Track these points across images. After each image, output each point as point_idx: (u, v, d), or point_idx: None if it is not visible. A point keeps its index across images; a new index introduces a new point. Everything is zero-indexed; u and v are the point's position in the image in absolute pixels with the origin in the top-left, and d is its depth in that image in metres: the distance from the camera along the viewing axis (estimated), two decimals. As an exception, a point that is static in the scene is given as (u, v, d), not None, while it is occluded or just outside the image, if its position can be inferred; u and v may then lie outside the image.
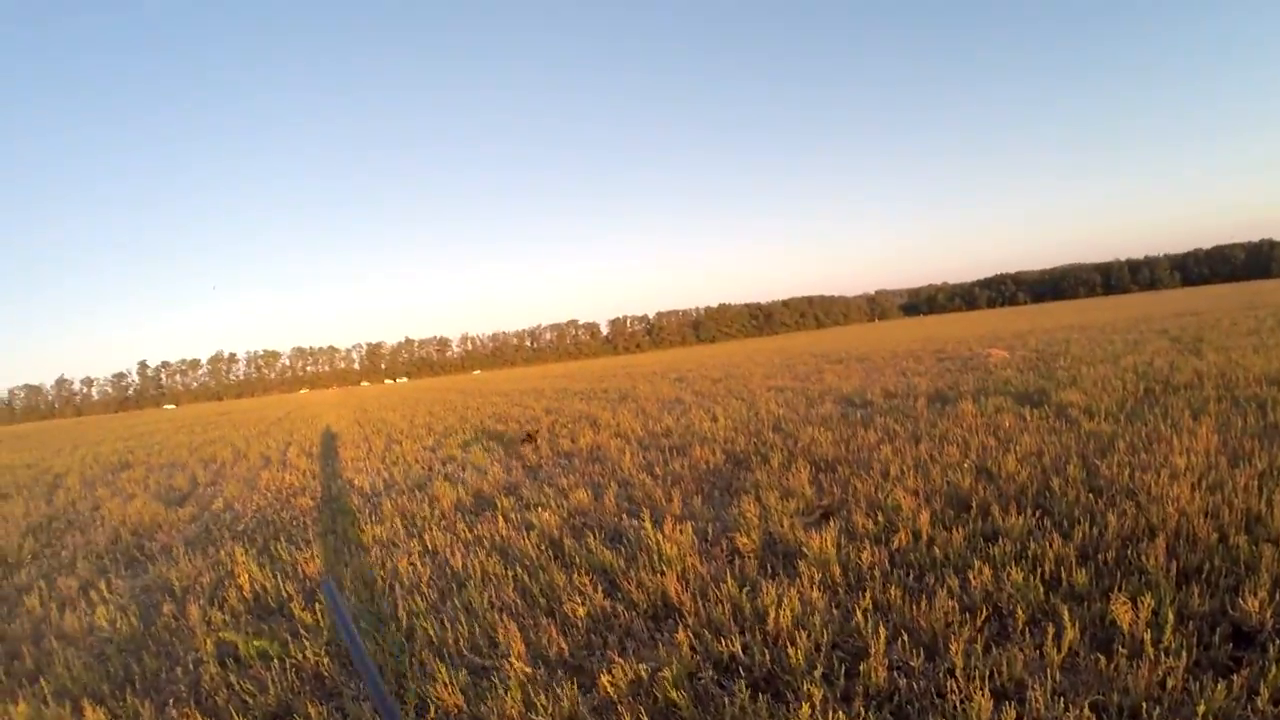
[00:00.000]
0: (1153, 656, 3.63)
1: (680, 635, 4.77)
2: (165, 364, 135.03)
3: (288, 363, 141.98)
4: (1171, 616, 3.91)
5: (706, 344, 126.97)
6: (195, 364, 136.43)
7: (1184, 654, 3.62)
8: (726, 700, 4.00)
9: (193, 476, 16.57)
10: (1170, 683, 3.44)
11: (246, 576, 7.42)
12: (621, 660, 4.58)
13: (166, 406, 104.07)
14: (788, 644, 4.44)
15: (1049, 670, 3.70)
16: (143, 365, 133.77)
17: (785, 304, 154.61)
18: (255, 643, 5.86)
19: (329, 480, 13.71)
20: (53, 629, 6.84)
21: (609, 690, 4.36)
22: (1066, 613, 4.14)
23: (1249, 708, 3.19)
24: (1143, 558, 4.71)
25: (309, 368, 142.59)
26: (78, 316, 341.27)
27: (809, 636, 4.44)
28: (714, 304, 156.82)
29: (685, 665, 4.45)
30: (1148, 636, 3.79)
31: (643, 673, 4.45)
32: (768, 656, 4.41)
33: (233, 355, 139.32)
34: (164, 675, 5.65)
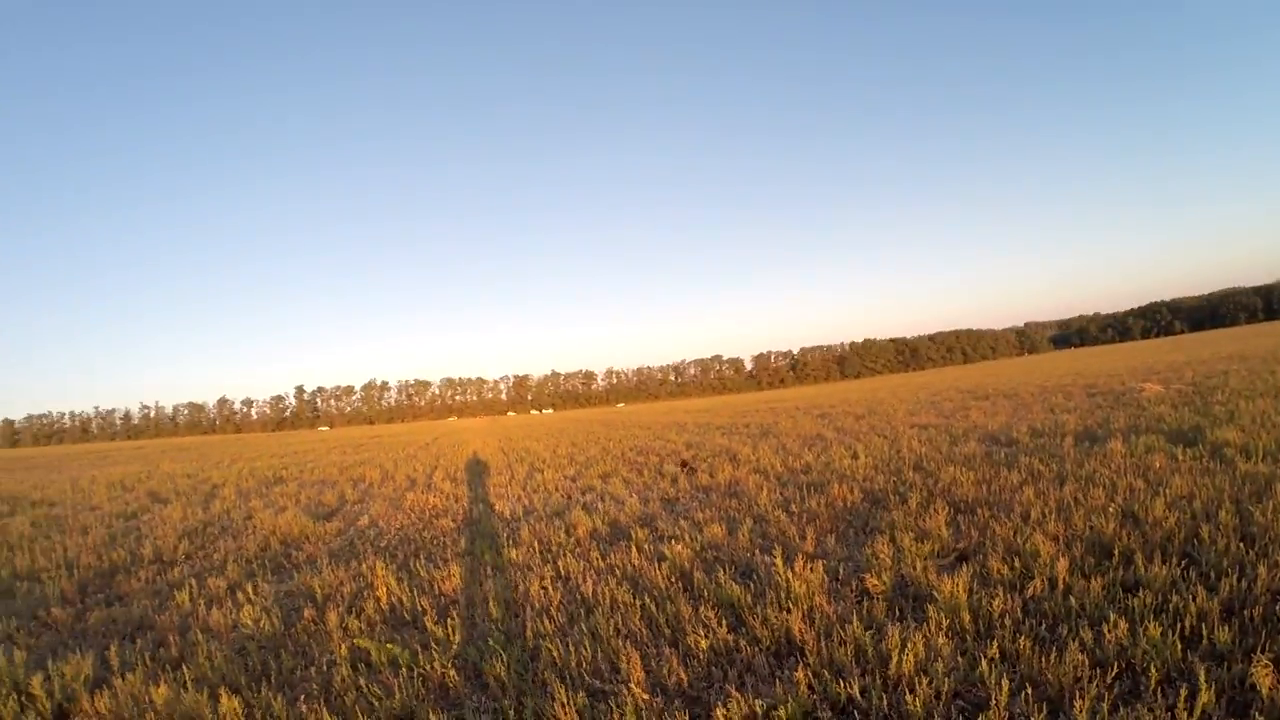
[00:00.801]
0: None
1: (800, 674, 4.78)
2: (321, 389, 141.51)
3: (437, 392, 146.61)
4: None
5: (851, 379, 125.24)
6: (349, 390, 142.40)
7: None
8: (840, 743, 4.00)
9: (341, 494, 17.30)
10: None
11: (384, 589, 7.77)
12: (739, 695, 4.62)
13: (320, 428, 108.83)
14: (907, 690, 4.40)
15: None
16: (299, 390, 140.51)
17: (931, 339, 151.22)
18: (388, 649, 6.14)
19: (471, 504, 14.12)
20: (199, 623, 7.30)
21: (724, 724, 4.42)
22: (1203, 673, 3.94)
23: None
24: None
25: (457, 397, 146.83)
26: (240, 340, 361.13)
27: (930, 683, 4.39)
28: (859, 339, 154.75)
29: (802, 704, 4.46)
30: None
31: (758, 708, 4.48)
32: (885, 701, 4.39)
33: (385, 383, 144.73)
34: (298, 673, 5.99)
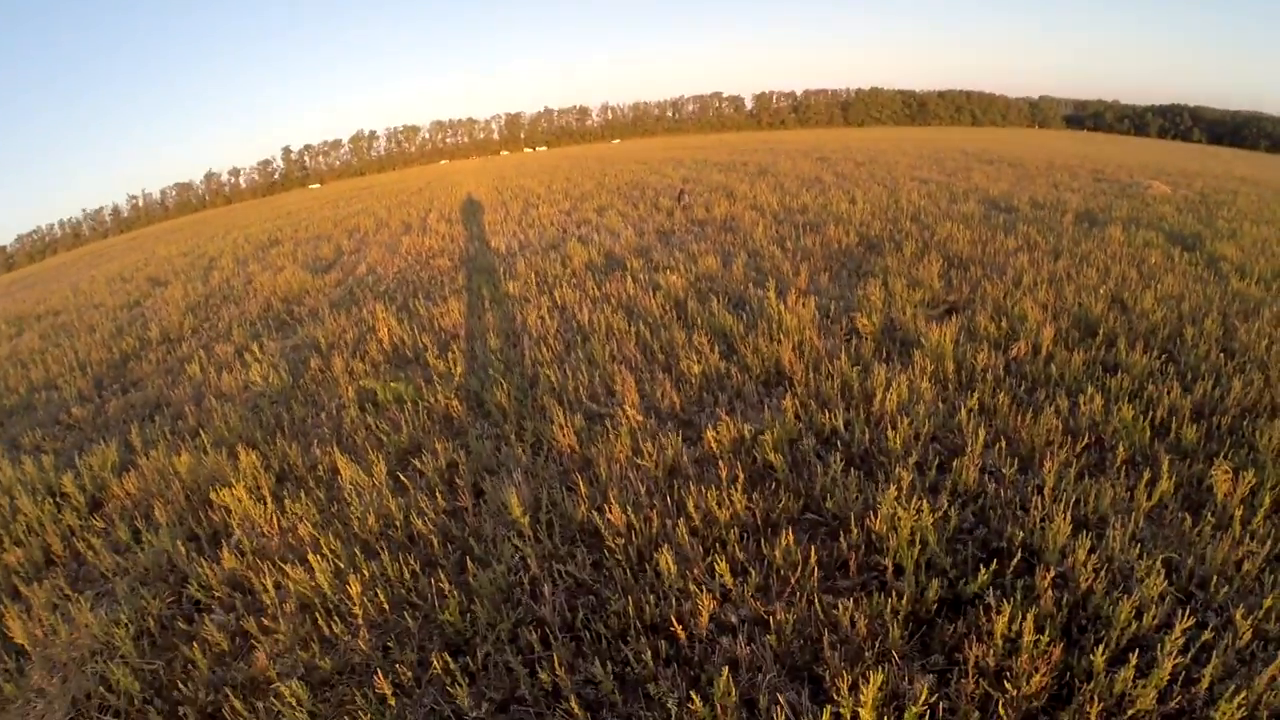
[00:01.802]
0: (1238, 535, 3.60)
1: (787, 402, 5.02)
2: (308, 147, 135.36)
3: (427, 136, 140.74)
4: (1268, 501, 3.86)
5: (854, 127, 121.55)
6: (337, 144, 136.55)
7: (1269, 543, 3.57)
8: (820, 469, 4.25)
9: (338, 246, 17.14)
10: (1246, 566, 3.42)
11: (386, 331, 7.95)
12: (728, 419, 4.84)
13: (311, 186, 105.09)
14: (889, 427, 4.63)
15: (1134, 514, 3.74)
16: (286, 150, 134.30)
17: (940, 95, 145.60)
18: (393, 387, 6.36)
19: (467, 243, 14.12)
20: (211, 389, 7.49)
21: (712, 445, 4.67)
22: (1166, 463, 4.12)
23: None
24: (1257, 434, 4.55)
25: (448, 140, 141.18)
26: (222, 110, 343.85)
27: (910, 424, 4.62)
28: (865, 87, 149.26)
29: (788, 431, 4.70)
30: (1239, 513, 3.73)
31: (746, 433, 4.72)
32: (867, 436, 4.62)
33: (373, 133, 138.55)
34: (310, 421, 6.23)
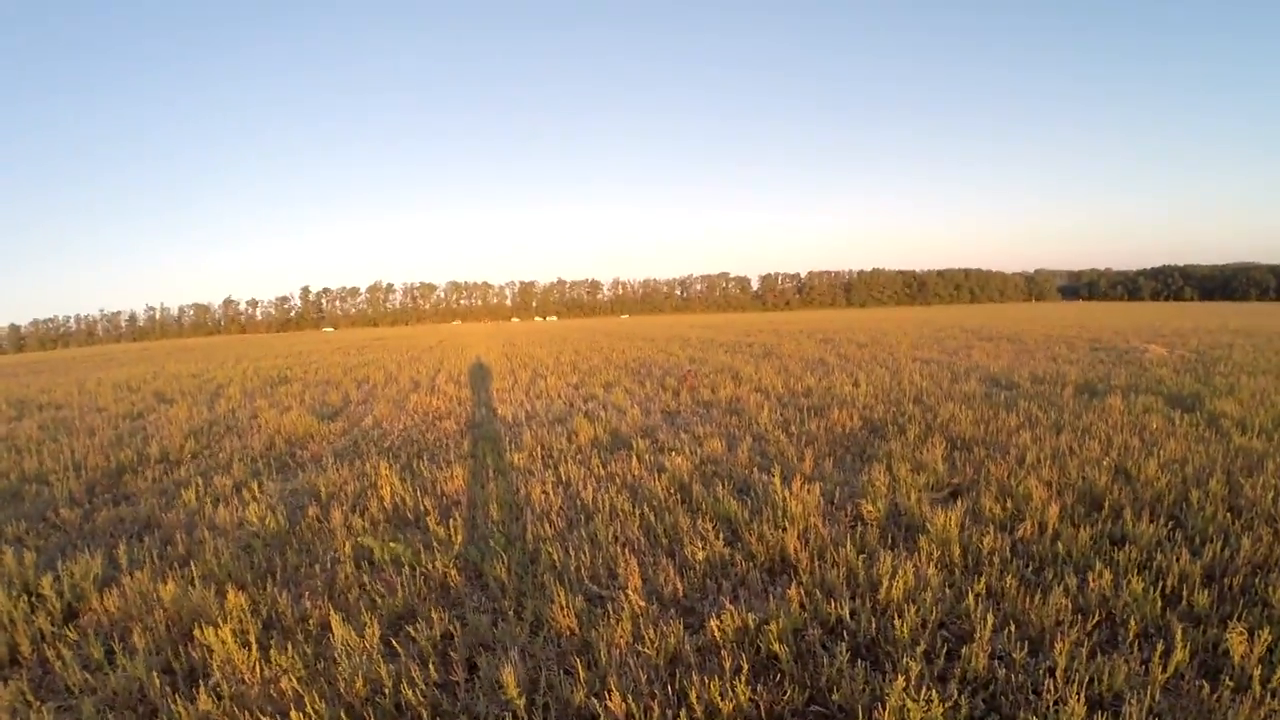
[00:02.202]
0: (1258, 695, 3.56)
1: (792, 592, 4.95)
2: (326, 290, 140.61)
3: (442, 295, 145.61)
4: None
5: (856, 308, 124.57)
6: (354, 291, 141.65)
7: None
8: (826, 660, 4.16)
9: (346, 395, 17.44)
10: None
11: (388, 489, 7.92)
12: (732, 607, 4.77)
13: (325, 329, 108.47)
14: (895, 616, 4.56)
15: (1150, 688, 3.67)
16: (305, 290, 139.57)
17: (940, 274, 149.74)
18: (391, 547, 6.31)
19: (475, 408, 14.28)
20: (205, 521, 7.42)
21: (715, 634, 4.58)
22: (1180, 633, 4.09)
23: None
24: (1270, 590, 4.55)
25: (462, 301, 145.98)
26: (247, 240, 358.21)
27: (917, 612, 4.53)
28: (867, 269, 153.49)
29: (793, 620, 4.61)
30: (1257, 673, 3.70)
31: (750, 622, 4.63)
32: (873, 625, 4.54)
33: (390, 285, 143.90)
34: (303, 570, 6.13)
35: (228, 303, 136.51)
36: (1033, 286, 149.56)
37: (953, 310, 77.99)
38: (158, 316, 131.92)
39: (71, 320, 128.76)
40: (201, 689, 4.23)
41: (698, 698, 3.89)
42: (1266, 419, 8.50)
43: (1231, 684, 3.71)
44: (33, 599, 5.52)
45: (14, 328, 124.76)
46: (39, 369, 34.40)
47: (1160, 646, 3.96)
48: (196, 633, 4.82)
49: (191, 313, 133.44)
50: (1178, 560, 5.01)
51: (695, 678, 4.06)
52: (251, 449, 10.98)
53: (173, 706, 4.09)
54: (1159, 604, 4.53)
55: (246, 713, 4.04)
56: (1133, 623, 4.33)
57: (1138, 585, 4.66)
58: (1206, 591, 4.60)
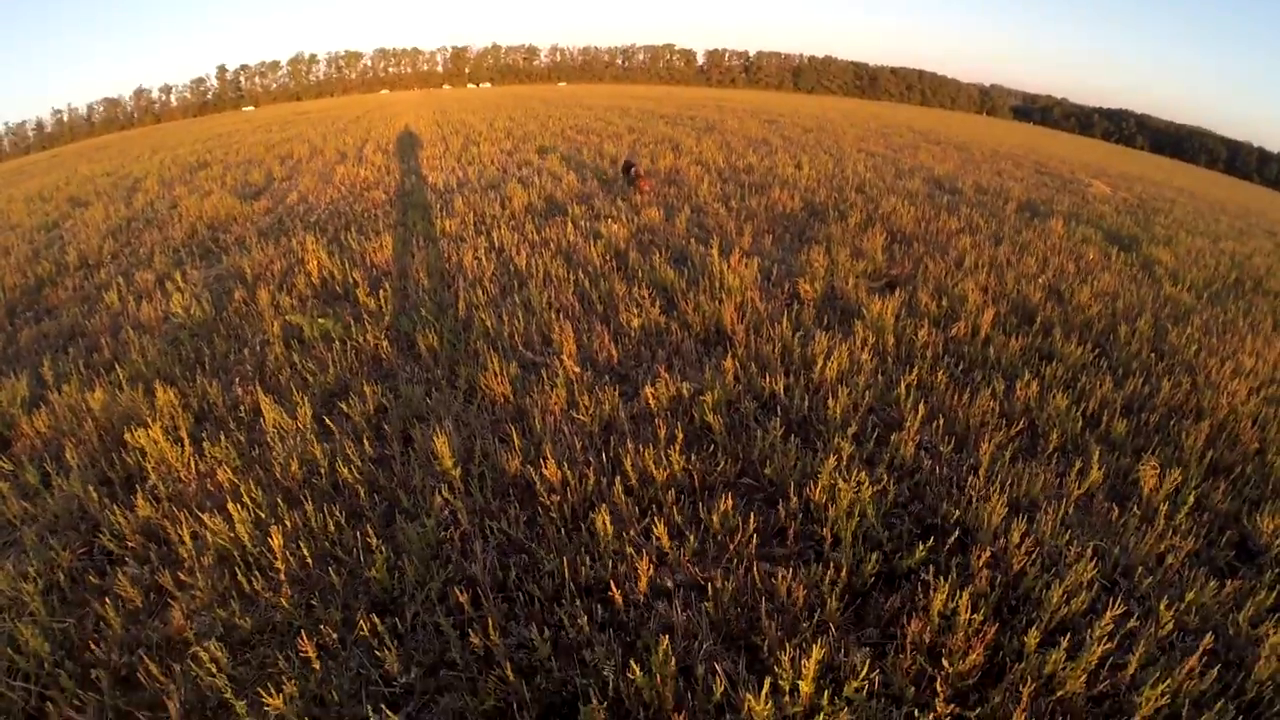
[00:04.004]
0: (1161, 529, 3.70)
1: (728, 363, 4.96)
2: (244, 67, 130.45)
3: (369, 64, 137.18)
4: (1191, 500, 3.94)
5: (804, 94, 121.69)
6: (275, 66, 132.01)
7: (1190, 540, 3.68)
8: (760, 434, 4.21)
9: (269, 173, 16.46)
10: (1169, 560, 3.53)
11: (315, 264, 7.62)
12: (667, 376, 4.78)
13: (245, 109, 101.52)
14: (828, 396, 4.62)
15: (1065, 501, 3.80)
16: (221, 69, 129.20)
17: (893, 71, 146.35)
18: (320, 323, 6.12)
19: (404, 176, 13.71)
20: (130, 320, 7.05)
21: (650, 402, 4.59)
22: (1096, 454, 4.20)
23: (1228, 616, 3.26)
24: (1183, 434, 4.69)
25: (390, 69, 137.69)
26: (156, 23, 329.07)
27: (850, 395, 4.60)
28: (819, 54, 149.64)
29: (727, 392, 4.65)
30: (1163, 509, 3.85)
31: (685, 391, 4.66)
32: (806, 403, 4.60)
33: (313, 56, 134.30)
34: (232, 357, 5.92)
35: (139, 93, 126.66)
36: (986, 100, 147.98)
37: (903, 110, 76.83)
38: (66, 119, 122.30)
39: None
40: (139, 494, 4.11)
41: (632, 465, 3.91)
42: (1198, 277, 8.63)
43: (1139, 513, 3.86)
44: None
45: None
46: None
47: (1078, 464, 4.10)
48: (128, 437, 4.62)
49: (101, 109, 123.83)
50: (1101, 386, 5.14)
51: (630, 446, 4.07)
52: (173, 239, 10.40)
53: (112, 518, 3.96)
54: (1079, 423, 4.68)
55: (185, 511, 3.94)
56: (1054, 436, 4.46)
57: (1061, 401, 4.79)
58: (1125, 422, 4.73)
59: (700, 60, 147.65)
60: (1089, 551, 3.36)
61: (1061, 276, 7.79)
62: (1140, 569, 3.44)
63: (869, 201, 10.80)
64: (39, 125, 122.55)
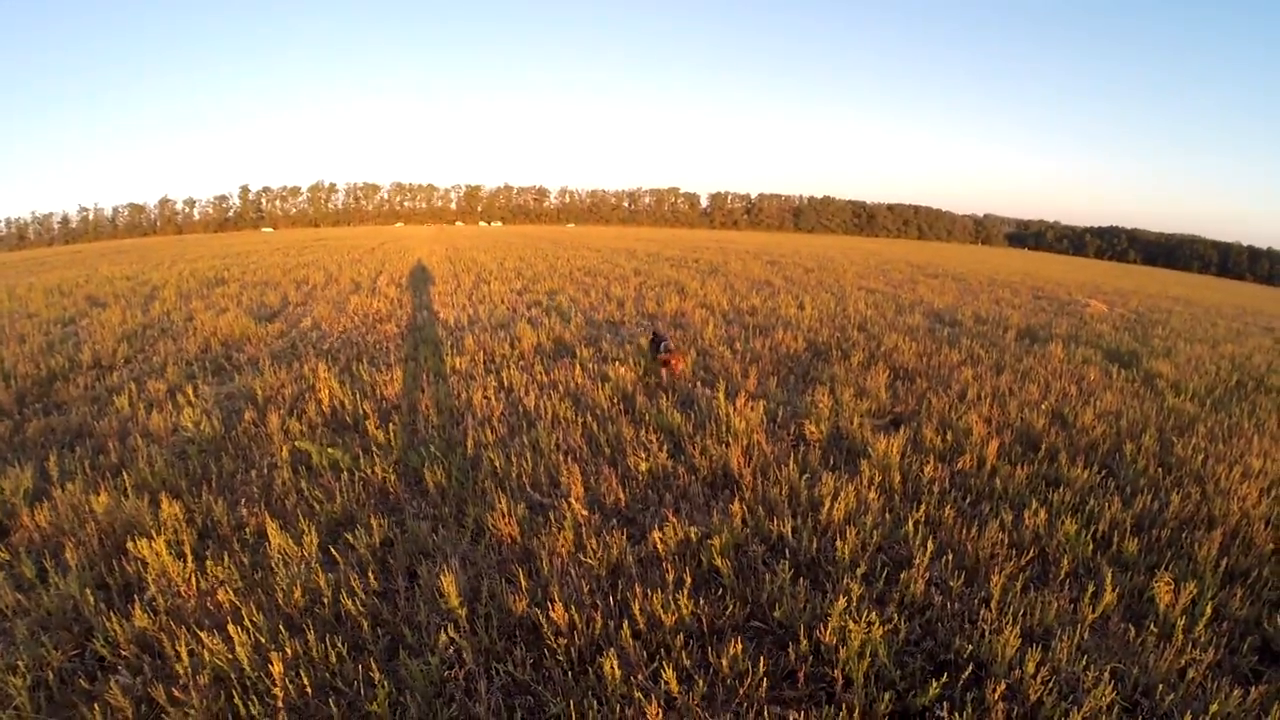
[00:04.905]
0: (1180, 644, 3.66)
1: (735, 507, 4.97)
2: (266, 189, 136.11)
3: (385, 197, 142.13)
4: (1209, 611, 3.90)
5: (804, 233, 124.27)
6: (295, 191, 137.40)
7: (1211, 651, 3.64)
8: (768, 578, 4.19)
9: (284, 296, 16.91)
10: (1191, 674, 3.48)
11: (327, 392, 7.75)
12: (675, 520, 4.78)
13: (264, 230, 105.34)
14: (836, 537, 4.61)
15: (1079, 626, 3.76)
16: (244, 189, 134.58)
17: (890, 208, 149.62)
18: (329, 452, 6.17)
19: (416, 311, 14.00)
20: (139, 428, 7.15)
21: (658, 546, 4.58)
22: (1109, 576, 4.16)
23: (1257, 722, 3.18)
24: (1195, 546, 4.68)
25: (406, 203, 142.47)
26: (184, 137, 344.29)
27: (857, 535, 4.60)
28: (818, 195, 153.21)
29: (735, 536, 4.65)
30: (1181, 623, 3.81)
31: (693, 535, 4.65)
32: (815, 545, 4.58)
33: (332, 185, 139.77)
34: (239, 476, 5.96)
35: (163, 202, 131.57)
36: (980, 230, 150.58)
37: (899, 245, 78.30)
38: (91, 217, 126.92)
39: (1, 224, 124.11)
40: (137, 604, 4.12)
41: (640, 610, 3.89)
42: (1200, 384, 8.69)
43: (1156, 630, 3.80)
44: None
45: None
46: None
47: (1090, 588, 4.07)
48: (130, 545, 4.65)
49: (126, 213, 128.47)
50: (1109, 507, 5.12)
51: (638, 589, 4.06)
52: (186, 352, 10.62)
53: (107, 624, 3.98)
54: (1090, 546, 4.64)
55: (183, 627, 3.94)
56: (1065, 562, 4.43)
57: (1071, 526, 4.77)
58: (1136, 540, 4.72)
59: (704, 203, 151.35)
60: (1107, 674, 3.33)
61: (1064, 400, 7.84)
62: (1161, 686, 3.39)
63: (871, 339, 10.96)
64: (64, 220, 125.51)
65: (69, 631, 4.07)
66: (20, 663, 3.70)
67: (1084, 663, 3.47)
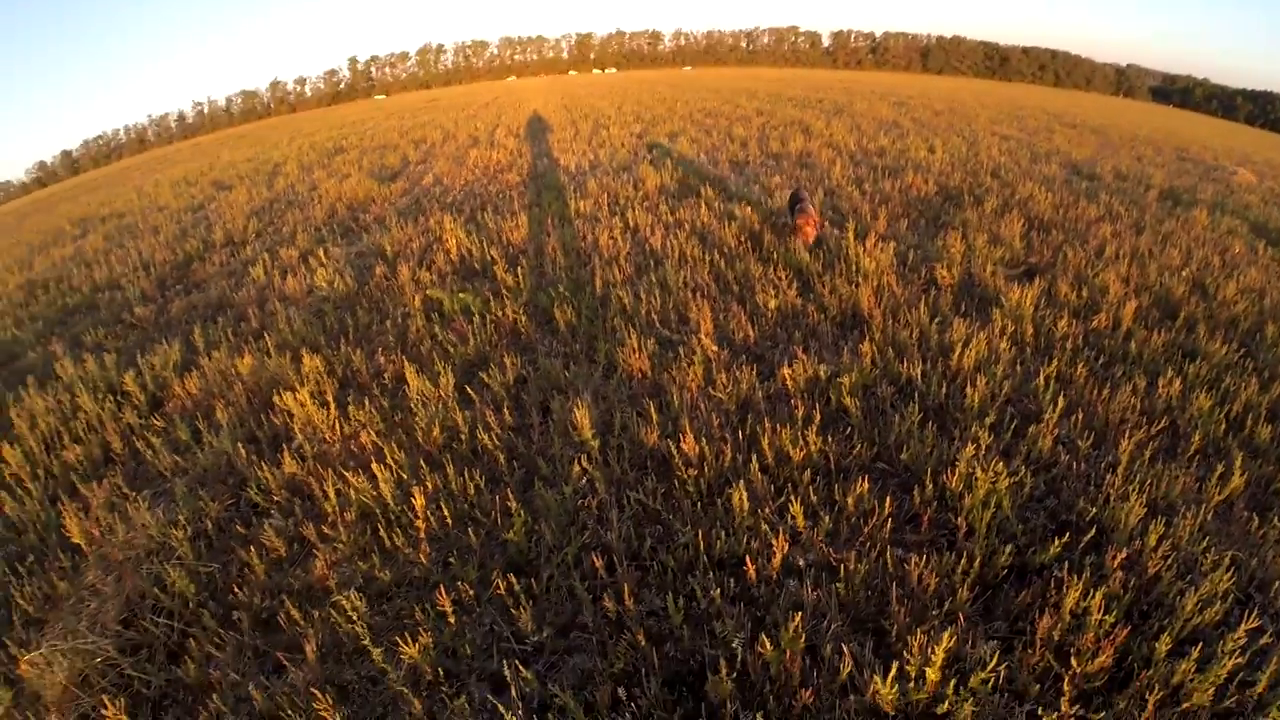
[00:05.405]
0: None
1: (865, 347, 5.04)
2: (374, 58, 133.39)
3: (495, 52, 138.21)
4: None
5: (933, 75, 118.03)
6: (404, 56, 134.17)
7: None
8: (897, 420, 4.26)
9: (404, 156, 17.02)
10: None
11: (454, 242, 7.93)
12: (804, 358, 4.86)
13: (377, 97, 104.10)
14: (966, 384, 4.63)
15: (1204, 507, 3.70)
16: (353, 60, 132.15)
17: (1025, 51, 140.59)
18: (460, 297, 6.38)
19: (535, 159, 13.99)
20: (275, 293, 7.49)
21: (787, 383, 4.69)
22: (1239, 460, 4.03)
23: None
24: None
25: (516, 57, 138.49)
26: (291, 17, 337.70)
27: (987, 384, 4.59)
28: (947, 34, 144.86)
29: (864, 376, 4.72)
30: None
31: (822, 374, 4.74)
32: (944, 390, 4.62)
33: (440, 46, 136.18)
34: (374, 328, 6.26)
35: (274, 85, 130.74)
36: (1122, 81, 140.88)
37: (1035, 91, 73.88)
38: (206, 110, 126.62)
39: (121, 132, 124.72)
40: (285, 453, 4.42)
41: (769, 444, 4.01)
42: (1355, 280, 8.22)
43: (1279, 521, 3.72)
44: (118, 397, 5.64)
45: (66, 154, 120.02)
46: (95, 186, 33.27)
47: (1219, 469, 3.99)
48: (276, 400, 4.97)
49: (239, 100, 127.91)
50: (1246, 388, 4.94)
51: (766, 425, 4.18)
52: (314, 219, 10.95)
53: (259, 474, 4.28)
54: (1223, 426, 4.53)
55: (329, 470, 4.22)
56: (1196, 438, 4.34)
57: (1205, 402, 4.65)
58: (1270, 427, 4.54)
59: (826, 42, 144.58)
60: (1226, 560, 3.29)
61: (1205, 269, 7.50)
62: (1277, 584, 3.35)
63: (1004, 186, 10.58)
64: (180, 117, 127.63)
65: (224, 484, 4.42)
66: (181, 517, 4.05)
67: (1204, 544, 3.44)
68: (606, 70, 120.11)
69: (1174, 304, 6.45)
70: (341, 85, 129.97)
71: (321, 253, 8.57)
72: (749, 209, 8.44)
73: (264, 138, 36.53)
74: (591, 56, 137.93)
